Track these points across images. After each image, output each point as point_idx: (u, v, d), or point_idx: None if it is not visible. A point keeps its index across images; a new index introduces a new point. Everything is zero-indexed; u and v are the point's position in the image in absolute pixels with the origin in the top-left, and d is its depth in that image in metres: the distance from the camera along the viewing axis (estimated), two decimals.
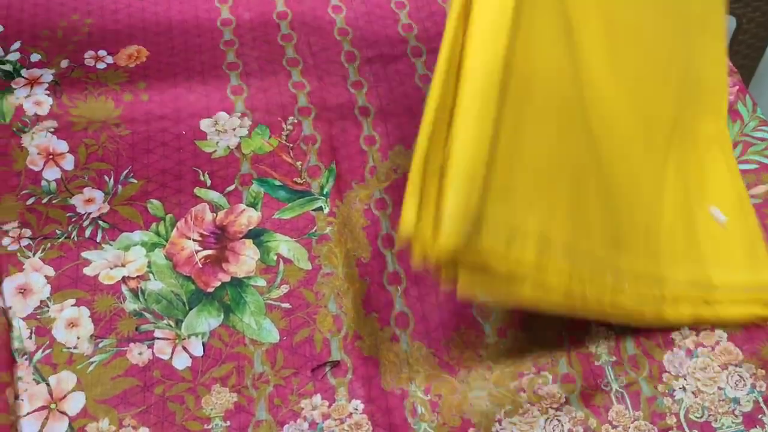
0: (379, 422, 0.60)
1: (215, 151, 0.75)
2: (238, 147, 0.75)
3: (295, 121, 0.77)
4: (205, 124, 0.76)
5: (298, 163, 0.74)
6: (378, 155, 0.76)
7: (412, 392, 0.62)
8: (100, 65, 0.81)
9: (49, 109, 0.77)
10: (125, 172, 0.73)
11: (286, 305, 0.65)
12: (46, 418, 0.59)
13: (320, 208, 0.71)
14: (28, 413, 0.59)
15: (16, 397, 0.60)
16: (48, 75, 0.80)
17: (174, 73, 0.81)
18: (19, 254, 0.67)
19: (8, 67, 0.80)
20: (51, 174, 0.72)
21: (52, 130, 0.75)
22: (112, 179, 0.72)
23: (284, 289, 0.66)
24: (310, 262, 0.68)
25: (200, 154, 0.74)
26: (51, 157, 0.73)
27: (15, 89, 0.78)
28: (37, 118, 0.76)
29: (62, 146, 0.74)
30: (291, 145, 0.75)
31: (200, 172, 0.73)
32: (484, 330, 0.65)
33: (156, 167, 0.73)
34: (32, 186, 0.71)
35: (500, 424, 0.60)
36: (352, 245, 0.69)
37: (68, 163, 0.73)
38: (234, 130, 0.76)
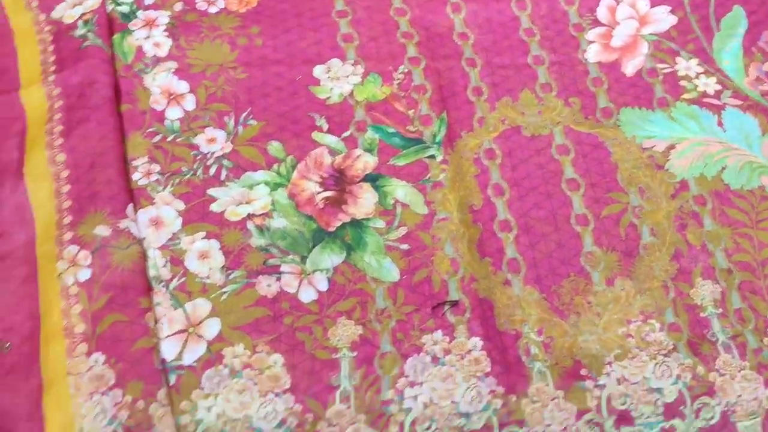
0: (496, 359, 0.63)
1: (329, 97, 0.77)
2: (351, 94, 0.77)
3: (406, 70, 0.79)
4: (318, 71, 0.79)
5: (410, 111, 0.76)
6: (486, 106, 0.77)
7: (525, 333, 0.65)
8: (212, 9, 0.83)
9: (168, 51, 0.79)
10: (244, 114, 0.75)
11: (405, 246, 0.68)
12: (186, 341, 0.63)
13: (433, 156, 0.73)
14: (167, 336, 0.63)
15: (156, 321, 0.64)
16: (164, 17, 0.82)
17: (284, 19, 0.83)
18: (149, 189, 0.70)
19: (125, 9, 0.83)
20: (174, 113, 0.75)
21: (173, 70, 0.78)
22: (232, 120, 0.75)
23: (402, 231, 0.69)
24: (425, 206, 0.70)
25: (315, 99, 0.77)
26: (173, 97, 0.76)
27: (133, 30, 0.81)
28: (157, 60, 0.79)
29: (183, 87, 0.77)
30: (403, 93, 0.77)
31: (316, 117, 0.75)
32: (593, 278, 0.68)
33: (273, 111, 0.76)
34: (157, 124, 0.74)
35: (610, 367, 0.63)
36: (464, 192, 0.72)
37: (189, 103, 0.76)
38: (347, 77, 0.78)
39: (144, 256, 0.66)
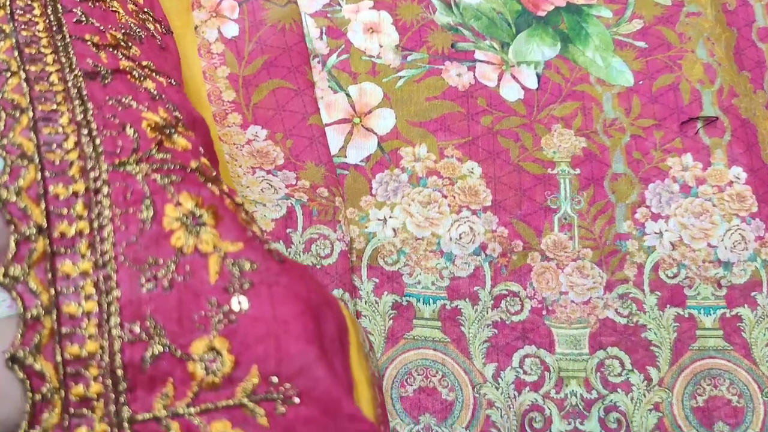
0: (764, 199, 0.47)
1: None
2: None
3: None
4: None
5: None
6: None
7: None
8: None
9: None
10: None
11: (641, 44, 0.51)
12: (350, 133, 0.47)
13: None
14: (327, 124, 0.47)
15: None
16: None
17: None
18: None
19: None
20: None
21: None
22: None
23: (637, 24, 0.52)
24: None
25: None
26: None
27: None
28: None
29: None
30: None
31: None
32: None
33: None
34: None
35: None
36: None
37: None
38: None
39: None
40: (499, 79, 0.49)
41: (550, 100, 0.49)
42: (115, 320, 0.26)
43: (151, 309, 0.27)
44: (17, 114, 0.28)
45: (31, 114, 0.28)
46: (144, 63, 0.34)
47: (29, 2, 0.33)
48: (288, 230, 0.43)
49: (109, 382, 0.26)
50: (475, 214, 0.46)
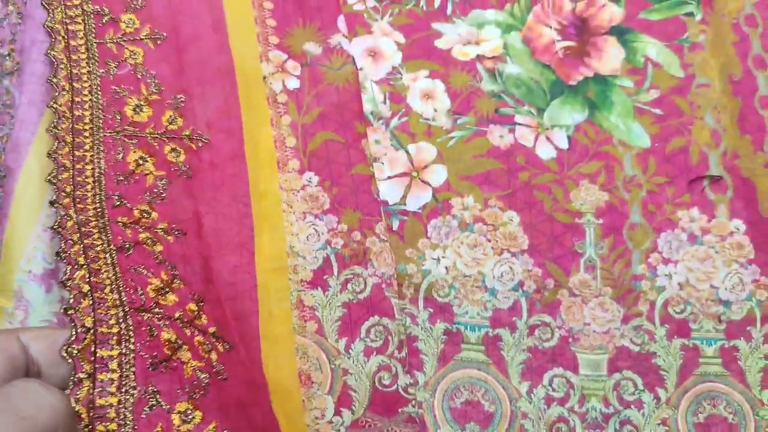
0: (760, 246, 0.55)
1: None
2: None
3: None
4: None
5: None
6: None
7: None
8: None
9: None
10: None
11: (657, 111, 0.60)
12: (409, 186, 0.56)
13: (691, 14, 0.63)
14: (389, 177, 0.57)
15: (376, 159, 0.57)
16: None
17: None
18: (366, 15, 0.62)
19: None
20: None
21: None
22: None
23: (654, 93, 0.60)
24: (682, 69, 0.61)
25: None
26: None
27: None
28: None
29: None
30: None
31: None
32: None
33: None
34: None
35: None
36: (724, 59, 0.62)
37: None
38: None
39: (357, 77, 0.59)
40: (536, 140, 0.58)
41: (578, 159, 0.58)
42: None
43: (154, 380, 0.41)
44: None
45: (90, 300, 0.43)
46: (159, 226, 0.47)
47: (85, 192, 0.46)
48: (325, 276, 0.52)
49: None
50: (514, 256, 0.55)
